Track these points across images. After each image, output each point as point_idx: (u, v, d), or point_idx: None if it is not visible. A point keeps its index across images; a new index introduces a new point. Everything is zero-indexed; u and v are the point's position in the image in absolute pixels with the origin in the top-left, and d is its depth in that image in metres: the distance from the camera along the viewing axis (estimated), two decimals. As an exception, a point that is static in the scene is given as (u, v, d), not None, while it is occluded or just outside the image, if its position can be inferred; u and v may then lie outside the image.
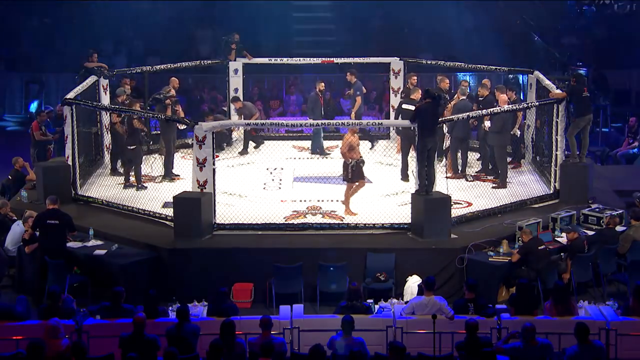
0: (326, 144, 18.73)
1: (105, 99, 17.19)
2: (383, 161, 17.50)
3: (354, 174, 14.29)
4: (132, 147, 15.68)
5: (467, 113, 15.33)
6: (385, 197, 15.34)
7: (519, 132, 16.67)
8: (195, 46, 26.08)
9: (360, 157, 14.38)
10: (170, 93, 16.84)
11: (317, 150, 18.35)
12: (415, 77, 17.54)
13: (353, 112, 18.35)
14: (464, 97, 16.31)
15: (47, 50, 26.45)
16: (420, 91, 16.05)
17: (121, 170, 16.67)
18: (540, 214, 14.24)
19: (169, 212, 14.06)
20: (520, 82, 21.14)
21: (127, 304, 11.34)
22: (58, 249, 13.05)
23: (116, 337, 10.34)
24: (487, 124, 15.84)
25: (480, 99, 16.46)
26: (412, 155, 14.95)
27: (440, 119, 14.08)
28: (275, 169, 17.18)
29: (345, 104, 22.35)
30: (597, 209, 14.45)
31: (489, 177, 16.11)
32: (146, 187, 15.69)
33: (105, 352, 10.24)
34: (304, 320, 11.34)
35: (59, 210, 13.28)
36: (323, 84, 18.31)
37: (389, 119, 18.70)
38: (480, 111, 15.60)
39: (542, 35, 25.95)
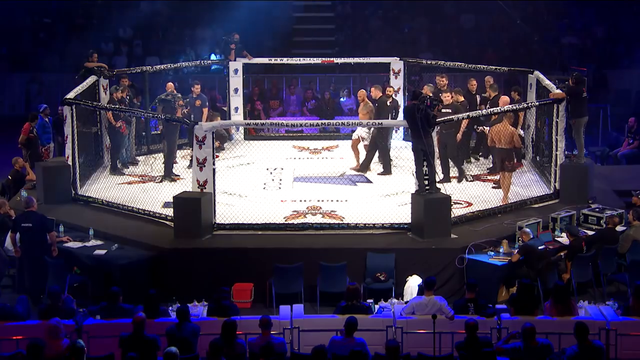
0: (326, 143, 18.72)
1: (106, 99, 17.19)
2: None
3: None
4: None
5: (468, 113, 15.33)
6: (385, 197, 15.33)
7: (522, 132, 16.65)
8: (195, 46, 26.12)
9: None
10: (176, 93, 16.93)
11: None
12: (445, 78, 17.49)
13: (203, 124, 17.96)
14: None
15: (47, 50, 26.49)
16: (449, 93, 16.34)
17: (123, 170, 16.71)
18: (540, 214, 14.24)
19: (169, 212, 14.07)
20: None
21: (127, 304, 11.34)
22: (37, 251, 13.03)
23: (116, 337, 10.33)
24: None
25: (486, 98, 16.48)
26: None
27: (436, 121, 14.01)
28: (275, 169, 17.18)
29: (345, 103, 22.37)
30: (597, 209, 14.45)
31: (489, 177, 16.10)
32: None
33: (105, 352, 10.25)
34: (304, 320, 11.33)
35: (34, 212, 13.27)
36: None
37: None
38: (480, 111, 15.61)
39: (542, 36, 25.98)
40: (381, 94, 16.81)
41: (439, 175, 14.07)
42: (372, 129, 16.34)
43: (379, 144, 16.60)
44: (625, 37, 26.29)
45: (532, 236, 13.05)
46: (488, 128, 15.81)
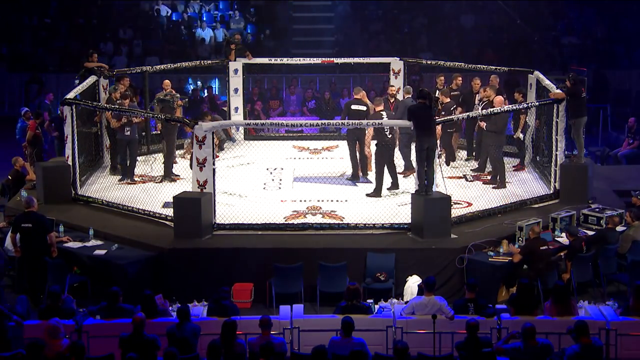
0: (326, 143, 18.69)
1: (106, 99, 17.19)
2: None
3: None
4: None
5: (468, 113, 15.34)
6: (385, 197, 15.33)
7: (522, 136, 16.61)
8: (195, 46, 26.13)
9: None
10: (175, 93, 16.90)
11: None
12: (461, 78, 17.41)
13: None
14: (409, 96, 16.34)
15: (47, 50, 26.50)
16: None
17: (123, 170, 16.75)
18: (540, 214, 14.24)
19: (169, 212, 14.07)
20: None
21: (128, 304, 11.34)
22: (37, 252, 13.02)
23: (116, 337, 10.34)
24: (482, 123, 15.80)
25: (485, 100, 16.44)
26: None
27: (437, 119, 14.05)
28: (275, 169, 17.18)
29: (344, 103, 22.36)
30: (597, 209, 14.45)
31: (488, 178, 16.08)
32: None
33: (105, 352, 10.25)
34: (304, 320, 11.33)
35: (34, 212, 13.25)
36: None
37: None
38: (479, 111, 15.59)
39: (542, 36, 25.99)
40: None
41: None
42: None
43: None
44: (625, 37, 26.31)
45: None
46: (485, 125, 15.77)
